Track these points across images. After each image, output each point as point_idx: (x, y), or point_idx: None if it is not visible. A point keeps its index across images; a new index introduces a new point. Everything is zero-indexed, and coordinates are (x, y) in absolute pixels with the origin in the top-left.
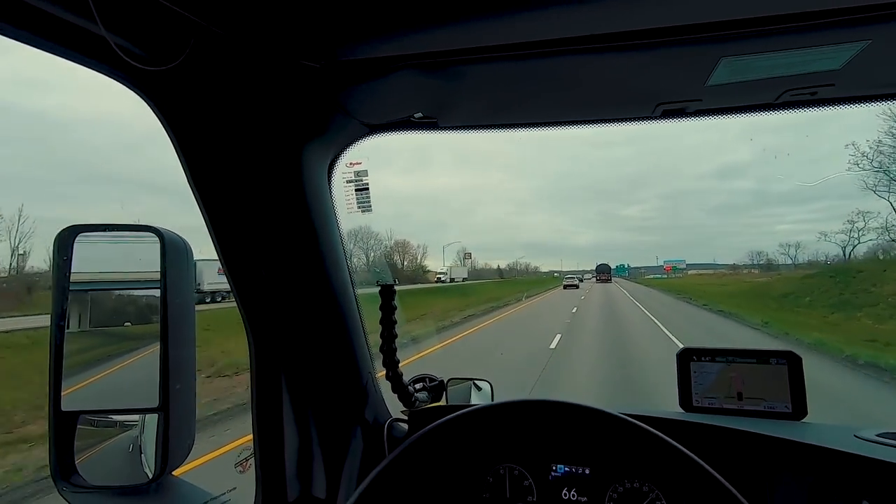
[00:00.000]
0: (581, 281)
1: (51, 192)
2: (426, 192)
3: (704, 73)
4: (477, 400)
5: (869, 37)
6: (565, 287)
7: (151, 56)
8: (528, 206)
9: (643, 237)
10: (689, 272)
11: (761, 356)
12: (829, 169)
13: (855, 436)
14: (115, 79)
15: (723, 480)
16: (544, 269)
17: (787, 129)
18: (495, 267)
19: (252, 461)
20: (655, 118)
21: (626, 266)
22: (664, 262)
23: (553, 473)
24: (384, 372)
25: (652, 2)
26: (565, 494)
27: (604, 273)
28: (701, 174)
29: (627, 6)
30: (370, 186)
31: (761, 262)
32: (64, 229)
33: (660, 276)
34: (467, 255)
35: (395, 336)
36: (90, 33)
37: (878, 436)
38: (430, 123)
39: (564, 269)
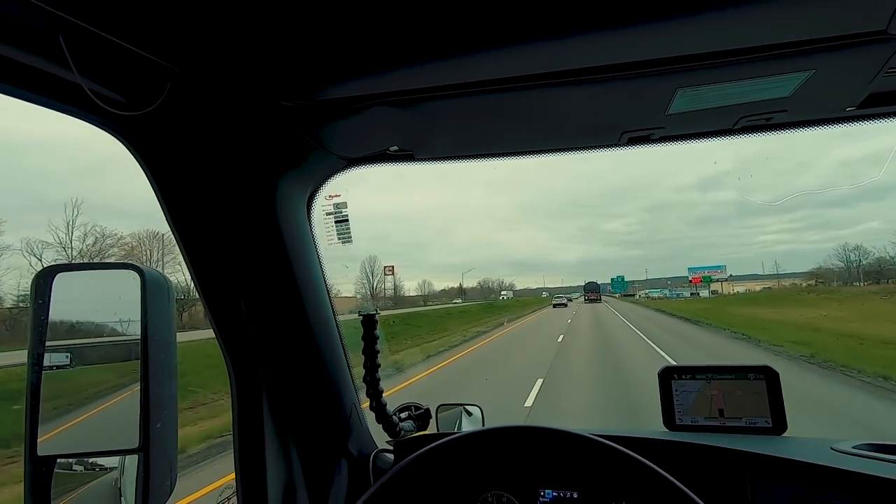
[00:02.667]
0: (570, 300)
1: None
2: (404, 211)
3: (664, 102)
4: (467, 425)
5: (813, 66)
6: (554, 306)
7: (129, 101)
8: (511, 223)
9: (628, 251)
10: (729, 286)
11: (739, 372)
12: (805, 177)
13: (831, 448)
14: (93, 123)
15: (699, 501)
16: (520, 286)
17: (764, 140)
18: (448, 287)
19: (234, 499)
20: (622, 145)
21: (622, 280)
22: (690, 271)
23: (541, 499)
24: (369, 402)
25: (613, 40)
26: None
27: (593, 292)
28: (682, 186)
29: (590, 44)
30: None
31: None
32: (41, 270)
33: (670, 293)
34: (388, 270)
35: (378, 366)
36: (66, 81)
37: (853, 447)
38: (406, 156)
39: (548, 286)
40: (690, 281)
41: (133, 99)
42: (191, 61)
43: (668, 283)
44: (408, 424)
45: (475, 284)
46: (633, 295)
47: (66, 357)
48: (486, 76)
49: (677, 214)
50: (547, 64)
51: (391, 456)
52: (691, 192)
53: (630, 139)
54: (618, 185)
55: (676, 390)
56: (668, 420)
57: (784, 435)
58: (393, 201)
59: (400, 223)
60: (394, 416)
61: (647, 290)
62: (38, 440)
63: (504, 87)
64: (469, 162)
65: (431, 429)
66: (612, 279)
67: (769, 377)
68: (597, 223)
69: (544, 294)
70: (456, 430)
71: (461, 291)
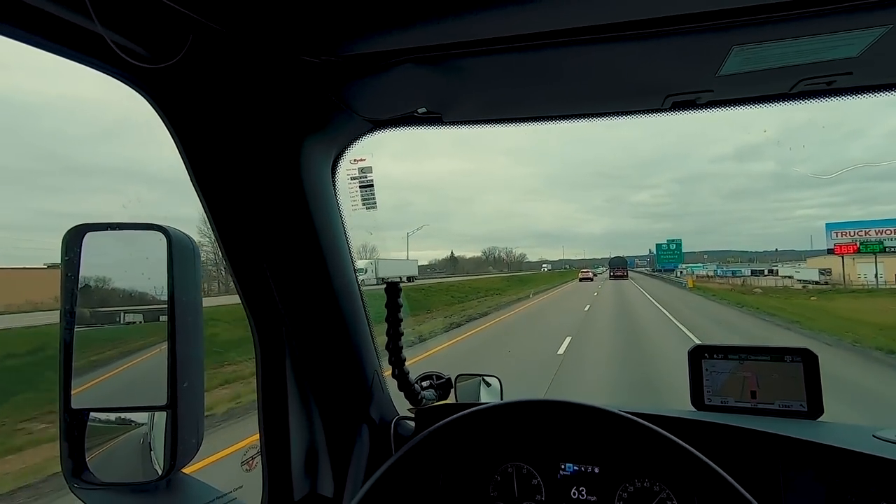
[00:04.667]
0: (595, 275)
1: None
2: (426, 179)
3: (716, 62)
4: (486, 396)
5: (889, 22)
6: (581, 280)
7: (150, 53)
8: (535, 194)
9: (656, 224)
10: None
11: (775, 354)
12: (854, 148)
13: (874, 436)
14: (114, 76)
15: (731, 480)
16: (533, 258)
17: (813, 107)
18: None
19: (258, 460)
20: (665, 110)
21: (675, 247)
22: (831, 230)
23: (562, 472)
24: (391, 370)
25: None
26: (574, 493)
27: (618, 268)
28: (718, 156)
29: None
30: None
31: None
32: (71, 228)
33: (724, 271)
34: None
35: (402, 334)
36: (88, 31)
37: None
38: (434, 118)
39: (568, 258)
40: (832, 250)
41: (155, 52)
42: (213, 11)
43: (705, 256)
44: (429, 393)
45: (479, 253)
46: (670, 270)
47: (97, 315)
48: (520, 30)
49: (711, 186)
50: (586, 17)
51: (412, 423)
52: (728, 162)
53: (675, 104)
54: (648, 154)
55: (707, 370)
56: (697, 399)
57: (820, 420)
58: (413, 169)
59: (421, 192)
60: (416, 385)
61: (687, 266)
62: (73, 392)
63: (539, 44)
64: (499, 127)
65: (452, 398)
66: (658, 247)
67: (807, 360)
68: (624, 194)
69: (544, 268)
70: (475, 401)
71: (452, 262)
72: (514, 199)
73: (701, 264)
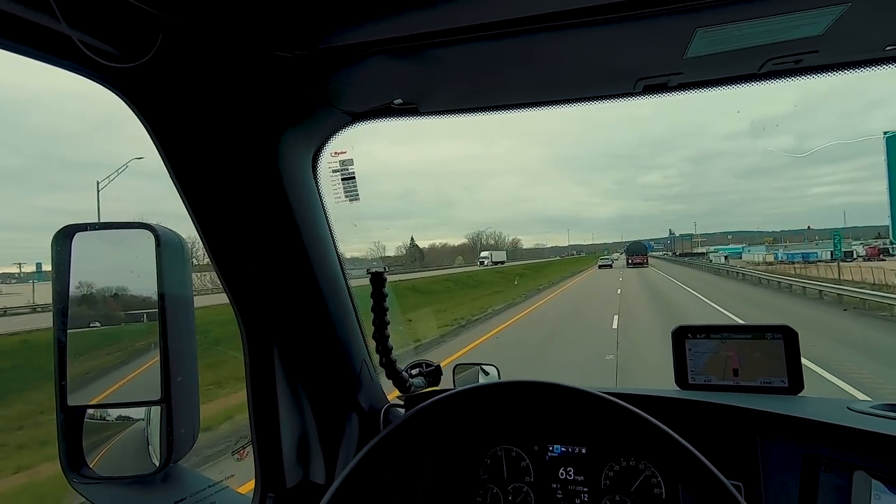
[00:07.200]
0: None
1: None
2: (429, 168)
3: (682, 45)
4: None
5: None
6: (600, 267)
7: (120, 52)
8: (540, 177)
9: (667, 206)
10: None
11: (756, 332)
12: (876, 118)
13: (848, 408)
14: (87, 77)
15: (706, 461)
16: (527, 244)
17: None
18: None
19: (250, 449)
20: (637, 94)
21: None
22: None
23: (550, 454)
24: (379, 358)
25: None
26: (562, 474)
27: (637, 255)
28: (732, 132)
29: None
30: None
31: None
32: (61, 229)
33: (789, 256)
34: None
35: (388, 322)
36: (56, 32)
37: (871, 408)
38: (410, 109)
39: (576, 244)
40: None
41: (125, 50)
42: (182, 9)
43: (729, 238)
44: (418, 380)
45: (464, 240)
46: (688, 255)
47: (89, 316)
48: (490, 18)
49: (724, 165)
50: (555, 2)
51: (402, 410)
52: (742, 139)
53: (646, 87)
54: (659, 132)
55: (690, 349)
56: (681, 379)
57: (800, 395)
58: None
59: (423, 178)
60: (404, 373)
61: (715, 248)
62: (69, 389)
63: (509, 32)
64: (474, 115)
65: (444, 386)
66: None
67: (787, 337)
68: (633, 176)
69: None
70: None
71: (413, 253)
72: (521, 184)
73: (737, 247)
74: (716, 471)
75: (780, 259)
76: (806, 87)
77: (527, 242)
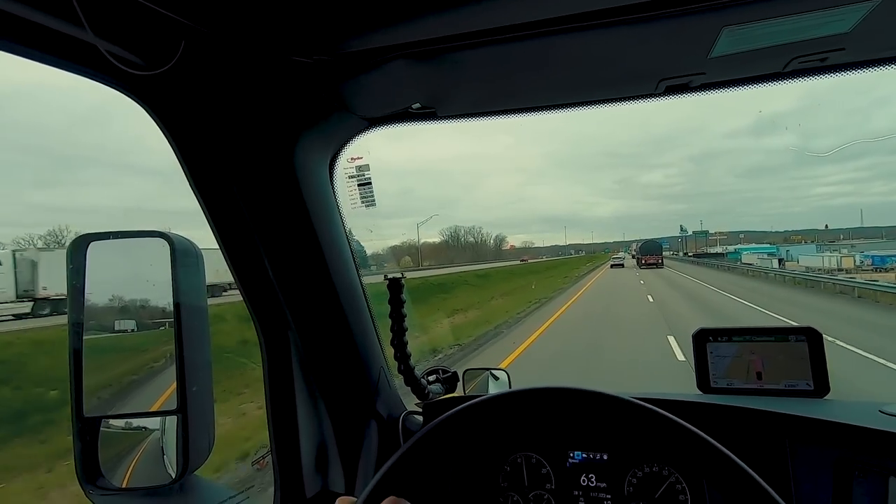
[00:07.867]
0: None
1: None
2: (427, 164)
3: (707, 44)
4: (494, 389)
5: None
6: (612, 266)
7: (144, 61)
8: (540, 176)
9: (668, 206)
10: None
11: (780, 334)
12: (881, 117)
13: (880, 411)
14: (109, 85)
15: (739, 461)
16: (516, 242)
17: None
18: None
19: (269, 459)
20: (659, 94)
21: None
22: None
23: (571, 460)
24: (397, 365)
25: None
26: (584, 480)
27: (651, 254)
28: (734, 130)
29: None
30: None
31: None
32: (76, 238)
33: (874, 260)
34: None
35: (406, 329)
36: (80, 41)
37: None
38: (429, 114)
39: (574, 243)
40: None
41: (148, 59)
42: (204, 16)
43: (741, 237)
44: (436, 387)
45: (440, 239)
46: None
47: (103, 325)
48: (510, 21)
49: (726, 164)
50: (576, 4)
51: (420, 418)
52: (744, 137)
53: (668, 87)
54: (660, 131)
55: (711, 353)
56: (703, 383)
57: (826, 398)
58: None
59: (424, 176)
60: (422, 380)
61: (735, 246)
62: (84, 400)
63: (530, 34)
64: (493, 119)
65: (459, 392)
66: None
67: (812, 339)
68: (635, 175)
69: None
70: (483, 394)
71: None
72: (520, 184)
73: (769, 246)
74: (748, 468)
75: (868, 262)
76: (810, 84)
77: (518, 241)
